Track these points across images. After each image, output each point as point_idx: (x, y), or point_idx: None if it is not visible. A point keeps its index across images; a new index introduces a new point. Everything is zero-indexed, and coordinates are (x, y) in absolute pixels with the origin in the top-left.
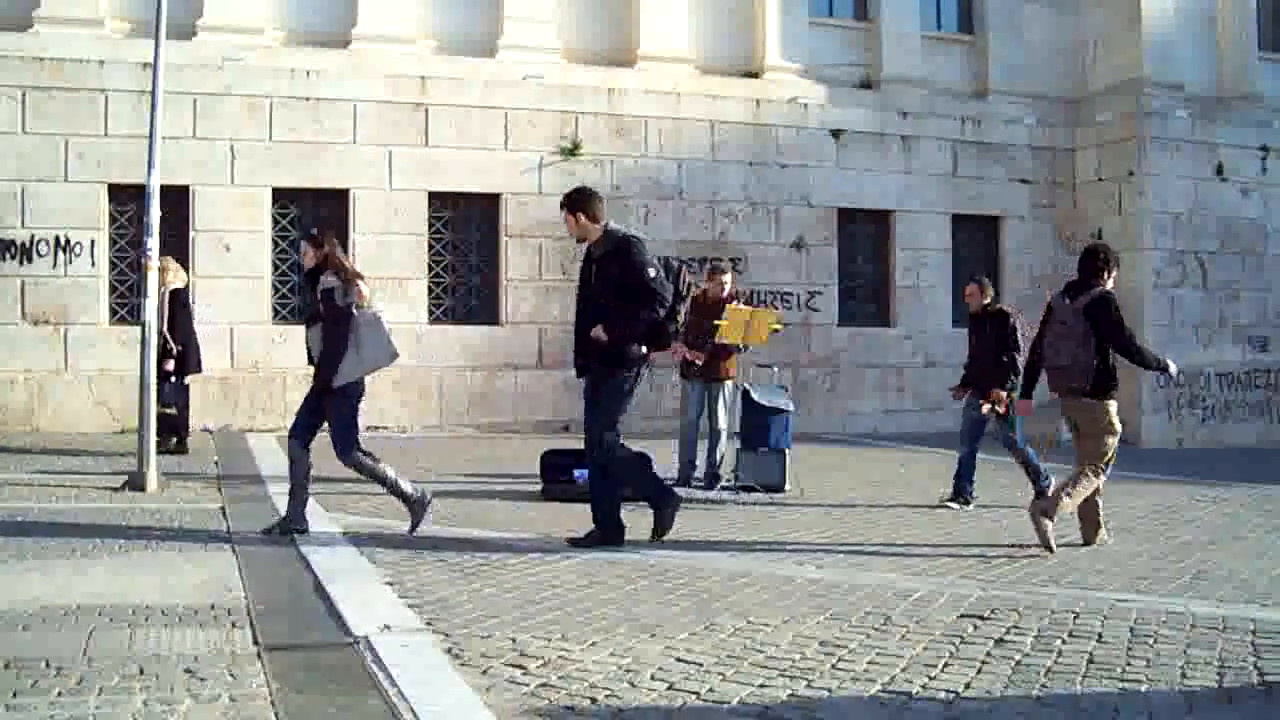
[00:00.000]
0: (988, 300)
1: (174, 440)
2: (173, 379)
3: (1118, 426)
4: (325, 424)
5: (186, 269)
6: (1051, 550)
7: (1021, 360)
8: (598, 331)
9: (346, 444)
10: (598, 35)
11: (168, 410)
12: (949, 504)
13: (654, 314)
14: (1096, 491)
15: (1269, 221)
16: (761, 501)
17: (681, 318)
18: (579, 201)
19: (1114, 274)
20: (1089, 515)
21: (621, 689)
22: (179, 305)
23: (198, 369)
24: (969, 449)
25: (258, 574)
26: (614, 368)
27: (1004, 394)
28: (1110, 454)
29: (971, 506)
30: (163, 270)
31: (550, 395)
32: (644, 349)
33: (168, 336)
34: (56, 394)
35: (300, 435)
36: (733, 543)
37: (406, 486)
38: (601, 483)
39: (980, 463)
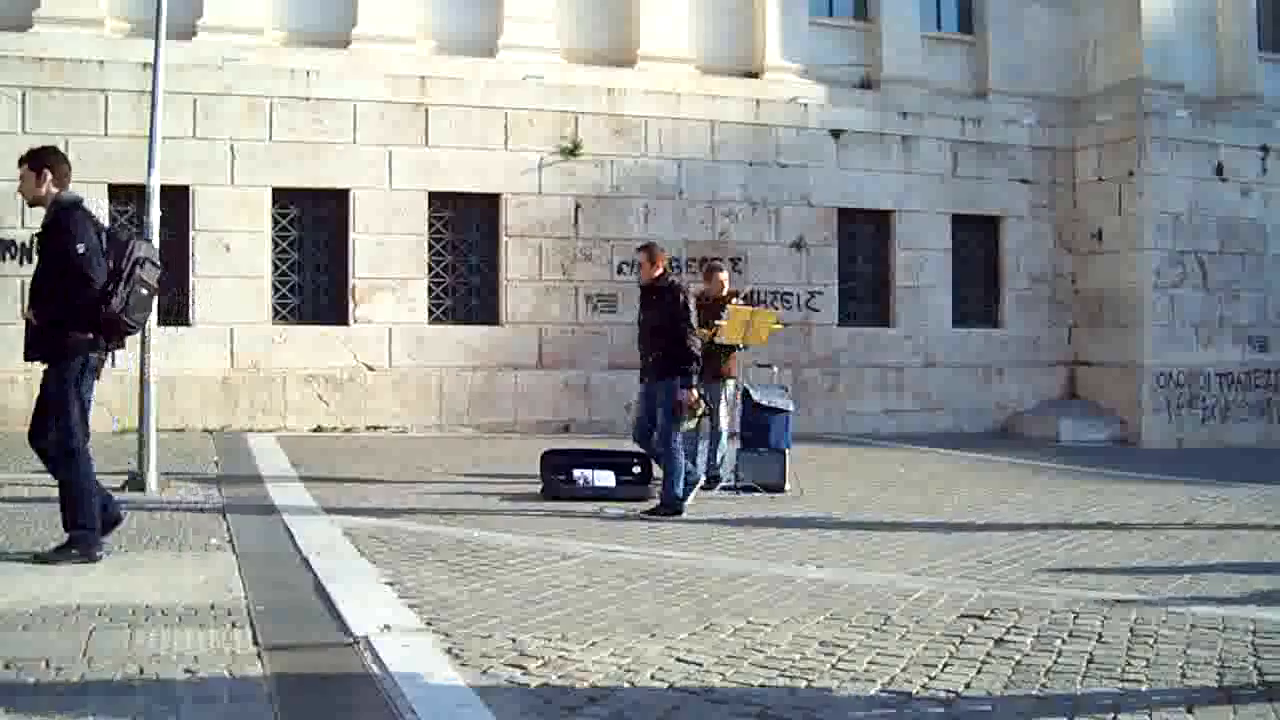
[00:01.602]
0: (659, 272)
1: None
2: None
3: None
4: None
5: (187, 268)
6: None
7: (695, 341)
8: (30, 314)
9: None
10: (598, 35)
11: None
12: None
13: (85, 296)
14: None
15: (1269, 221)
16: (761, 501)
17: (121, 299)
18: (48, 158)
19: None
20: None
21: (622, 689)
22: None
23: None
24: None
25: (258, 574)
26: (56, 357)
27: (696, 395)
28: None
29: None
30: None
31: (550, 395)
32: (90, 335)
33: None
34: None
35: None
36: (733, 543)
37: None
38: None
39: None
